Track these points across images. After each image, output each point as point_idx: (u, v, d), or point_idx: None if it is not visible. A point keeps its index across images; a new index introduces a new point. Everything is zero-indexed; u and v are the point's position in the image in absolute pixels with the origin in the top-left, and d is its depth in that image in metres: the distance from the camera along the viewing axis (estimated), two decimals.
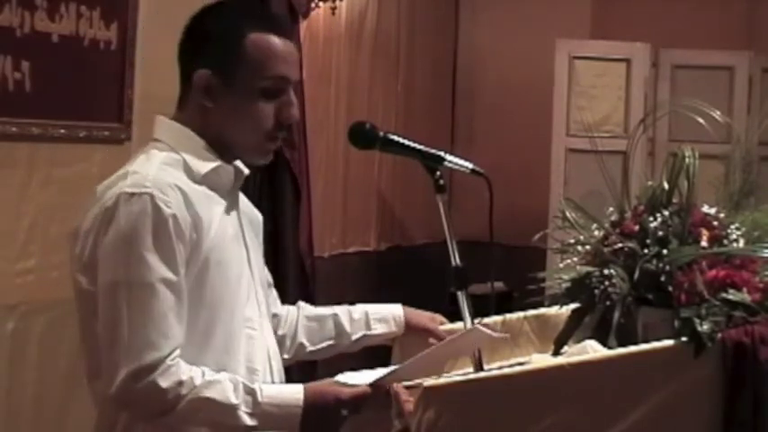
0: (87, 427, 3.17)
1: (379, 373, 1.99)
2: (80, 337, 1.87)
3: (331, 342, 2.21)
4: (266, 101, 1.88)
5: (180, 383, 1.74)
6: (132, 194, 1.77)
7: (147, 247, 1.75)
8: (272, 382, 1.94)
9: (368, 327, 2.22)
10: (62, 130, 3.35)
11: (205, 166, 1.88)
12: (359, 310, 2.24)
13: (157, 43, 3.62)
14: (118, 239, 1.76)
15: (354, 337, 2.21)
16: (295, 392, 1.83)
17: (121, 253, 1.76)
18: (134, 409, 1.80)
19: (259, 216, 2.10)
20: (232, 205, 1.95)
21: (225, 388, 1.78)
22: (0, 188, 3.19)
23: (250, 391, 1.79)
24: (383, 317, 2.23)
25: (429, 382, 1.81)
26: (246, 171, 2.01)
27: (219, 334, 1.85)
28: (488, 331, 1.94)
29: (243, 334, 1.90)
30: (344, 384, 1.87)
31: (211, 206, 1.87)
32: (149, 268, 1.75)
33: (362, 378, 1.93)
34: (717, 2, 5.97)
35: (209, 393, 1.76)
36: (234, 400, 1.77)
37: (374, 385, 1.86)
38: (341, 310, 2.23)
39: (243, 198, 2.04)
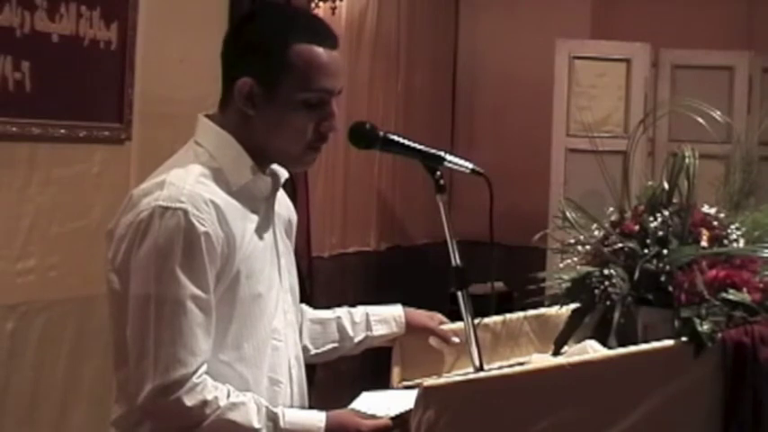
0: (86, 427, 3.18)
1: (399, 394, 2.00)
2: (112, 330, 1.89)
3: (334, 345, 2.22)
4: (307, 112, 1.88)
5: (205, 403, 1.77)
6: (167, 209, 1.78)
7: (178, 264, 1.77)
8: (292, 393, 1.96)
9: (369, 328, 2.23)
10: (62, 130, 3.35)
11: (242, 177, 1.88)
12: (359, 312, 2.24)
13: (157, 43, 3.63)
14: (151, 253, 1.78)
15: (357, 339, 2.22)
16: (317, 421, 1.85)
17: (153, 267, 1.77)
18: (158, 422, 1.82)
19: (293, 214, 2.11)
20: (268, 212, 1.96)
21: (248, 411, 1.80)
22: (0, 188, 3.19)
23: (273, 417, 1.82)
24: (384, 318, 2.24)
25: (429, 382, 1.81)
26: (286, 175, 2.02)
27: (248, 347, 1.87)
28: None
29: (269, 346, 1.92)
30: (367, 415, 1.89)
31: (246, 218, 1.88)
32: (180, 285, 1.77)
33: (382, 403, 1.95)
34: (717, 2, 5.97)
35: (232, 416, 1.79)
36: (256, 425, 1.80)
37: (395, 418, 1.88)
38: (342, 313, 2.23)
39: (280, 197, 2.04)
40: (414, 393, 1.96)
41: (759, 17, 5.92)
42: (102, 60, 3.46)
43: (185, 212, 1.78)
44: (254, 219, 1.91)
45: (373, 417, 1.88)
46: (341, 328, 2.21)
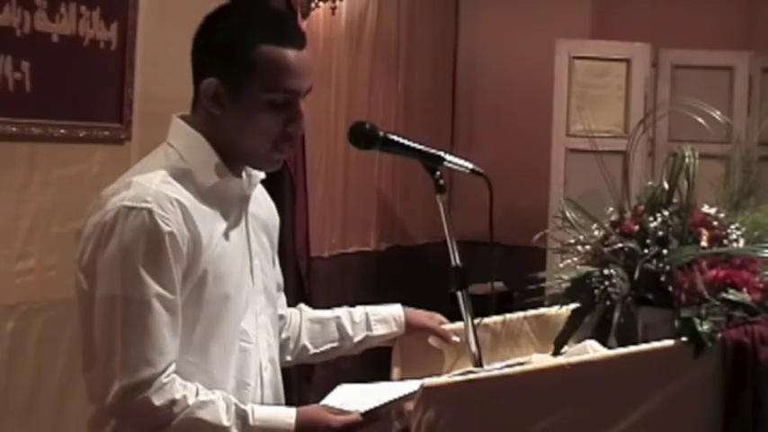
0: (85, 426, 3.17)
1: (374, 388, 2.00)
2: (80, 330, 1.88)
3: (334, 344, 2.21)
4: (274, 113, 1.87)
5: (173, 402, 1.77)
6: (131, 209, 1.78)
7: (143, 264, 1.76)
8: (263, 396, 1.95)
9: (369, 328, 2.22)
10: (62, 130, 3.35)
11: (212, 178, 1.88)
12: (359, 311, 2.24)
13: (157, 43, 3.62)
14: (115, 254, 1.77)
15: (356, 339, 2.21)
16: (287, 417, 1.84)
17: (118, 268, 1.77)
18: (127, 422, 1.82)
19: (275, 217, 2.10)
20: (240, 214, 1.95)
21: (217, 408, 1.80)
22: (0, 188, 3.19)
23: (242, 414, 1.81)
24: (383, 317, 2.24)
25: (429, 382, 1.81)
26: (261, 176, 2.01)
27: (214, 348, 1.87)
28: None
29: (236, 347, 1.91)
30: (337, 411, 1.88)
31: (214, 219, 1.88)
32: (145, 284, 1.76)
33: (356, 397, 1.94)
34: (717, 2, 5.97)
35: (201, 414, 1.78)
36: (225, 422, 1.79)
37: (366, 414, 1.87)
38: (342, 313, 2.23)
39: (259, 198, 2.04)
40: (389, 385, 1.95)
41: (759, 17, 5.92)
42: (102, 60, 3.46)
43: (150, 212, 1.78)
44: (225, 220, 1.90)
45: (343, 412, 1.88)
46: (340, 328, 2.21)
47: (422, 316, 2.29)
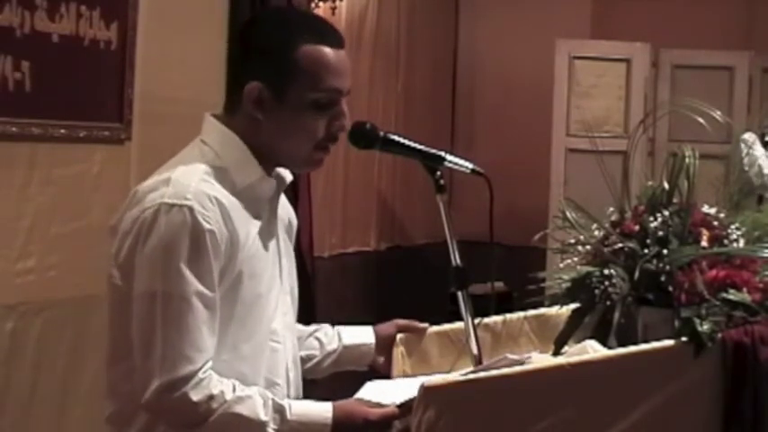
0: (85, 426, 3.18)
1: (403, 383, 2.00)
2: (108, 325, 1.89)
3: (311, 351, 2.18)
4: (318, 113, 1.88)
5: (211, 397, 1.77)
6: (173, 206, 1.78)
7: (184, 261, 1.77)
8: (289, 395, 1.96)
9: (339, 338, 2.20)
10: (62, 130, 3.35)
11: (247, 177, 1.88)
12: (329, 327, 2.22)
13: (157, 43, 3.62)
14: (156, 250, 1.77)
15: (329, 347, 2.18)
16: (324, 411, 1.85)
17: (159, 264, 1.77)
18: (164, 419, 1.82)
19: (294, 219, 2.11)
20: (271, 214, 1.96)
21: (255, 404, 1.80)
22: (0, 188, 3.19)
23: (279, 409, 1.82)
24: (352, 332, 2.22)
25: (429, 381, 1.81)
26: (290, 178, 2.02)
27: (246, 347, 1.87)
28: (516, 357, 1.93)
29: (267, 347, 1.92)
30: (373, 403, 1.88)
31: (249, 218, 1.88)
32: (185, 281, 1.77)
33: (387, 391, 1.94)
34: (717, 2, 5.97)
35: (239, 409, 1.79)
36: (263, 417, 1.80)
37: (402, 406, 1.87)
38: (315, 327, 2.21)
39: (281, 201, 2.04)
40: (417, 380, 1.96)
41: (759, 17, 5.92)
42: (102, 60, 3.46)
43: (191, 209, 1.78)
44: (258, 221, 1.91)
45: (379, 405, 1.88)
46: (317, 339, 2.19)
47: (387, 326, 2.26)
